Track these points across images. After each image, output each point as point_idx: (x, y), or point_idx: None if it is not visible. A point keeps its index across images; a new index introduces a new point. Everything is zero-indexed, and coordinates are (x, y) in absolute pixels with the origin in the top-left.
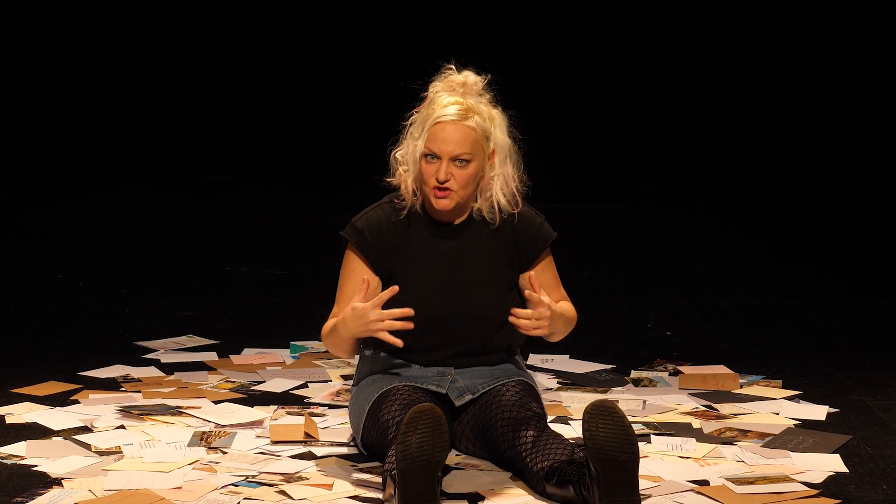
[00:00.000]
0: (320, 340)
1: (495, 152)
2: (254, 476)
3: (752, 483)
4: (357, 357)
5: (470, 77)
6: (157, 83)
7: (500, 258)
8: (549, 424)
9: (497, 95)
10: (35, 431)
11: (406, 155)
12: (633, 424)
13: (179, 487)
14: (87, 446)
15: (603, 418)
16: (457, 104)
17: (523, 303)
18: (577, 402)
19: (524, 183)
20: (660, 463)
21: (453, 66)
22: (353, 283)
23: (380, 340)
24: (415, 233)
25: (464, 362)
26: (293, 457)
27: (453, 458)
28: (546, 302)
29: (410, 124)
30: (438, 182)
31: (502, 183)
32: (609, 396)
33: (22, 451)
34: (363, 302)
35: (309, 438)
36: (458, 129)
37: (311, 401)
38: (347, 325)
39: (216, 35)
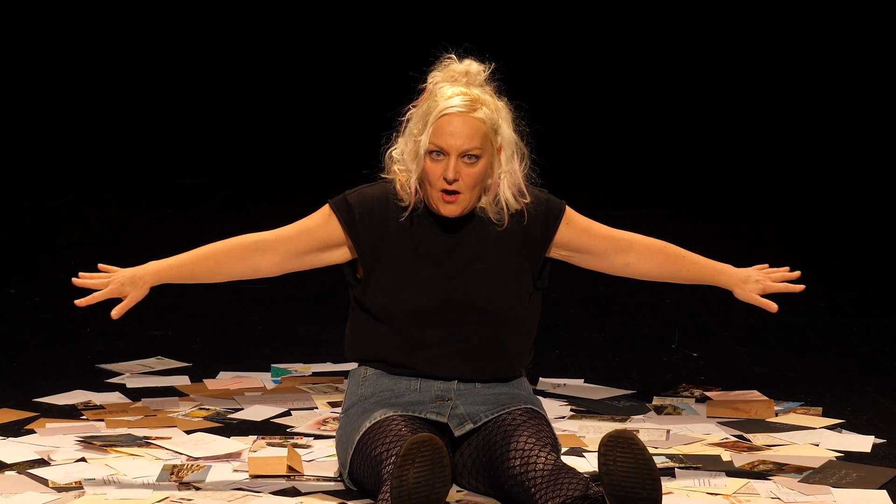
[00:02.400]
0: (304, 362)
1: (502, 148)
2: None
3: None
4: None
5: (473, 66)
6: (123, 80)
7: (505, 249)
8: (562, 457)
9: (501, 86)
10: None
11: (404, 153)
12: (655, 457)
13: None
14: (43, 481)
15: (621, 450)
16: (462, 95)
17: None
18: (593, 431)
19: (533, 181)
20: (685, 500)
21: (454, 56)
22: (306, 231)
23: (374, 356)
24: (410, 220)
25: (468, 367)
26: (275, 493)
27: (454, 494)
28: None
29: (407, 120)
30: (447, 182)
31: (509, 181)
32: (628, 426)
33: None
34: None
35: (292, 472)
36: (466, 122)
37: (295, 430)
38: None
39: (188, 32)
